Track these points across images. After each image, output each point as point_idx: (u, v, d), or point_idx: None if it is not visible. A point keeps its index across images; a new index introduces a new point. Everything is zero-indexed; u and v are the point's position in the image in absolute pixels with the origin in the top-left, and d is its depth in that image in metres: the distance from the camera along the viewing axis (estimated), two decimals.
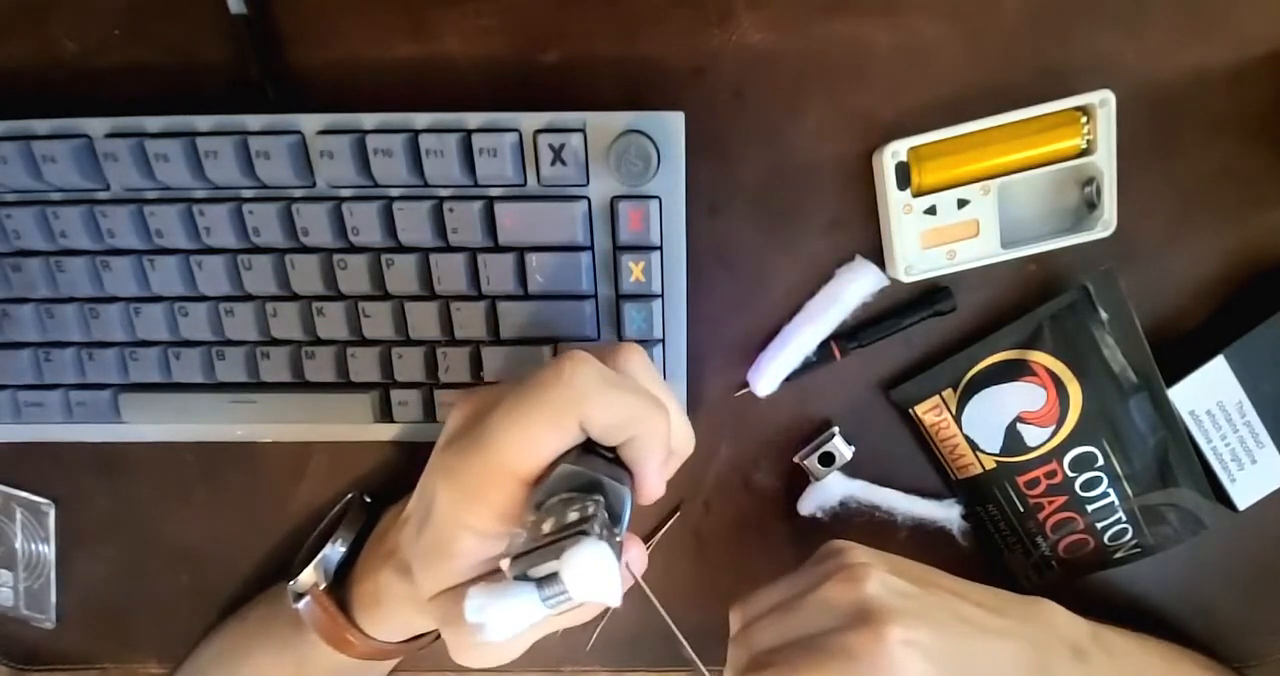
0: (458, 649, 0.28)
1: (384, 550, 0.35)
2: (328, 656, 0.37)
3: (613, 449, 0.28)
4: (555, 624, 0.28)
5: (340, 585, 0.37)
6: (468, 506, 0.27)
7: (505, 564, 0.23)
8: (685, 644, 0.27)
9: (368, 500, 0.40)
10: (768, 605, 0.33)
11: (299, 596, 0.37)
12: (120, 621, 0.45)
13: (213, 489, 0.43)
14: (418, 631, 0.37)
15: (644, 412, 0.27)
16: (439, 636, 0.39)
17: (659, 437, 0.28)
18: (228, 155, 0.35)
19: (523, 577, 0.23)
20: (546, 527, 0.24)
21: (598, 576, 0.22)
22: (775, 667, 0.30)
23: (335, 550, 0.37)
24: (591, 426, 0.27)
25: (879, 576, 0.31)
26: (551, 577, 0.22)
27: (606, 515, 0.25)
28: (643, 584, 0.28)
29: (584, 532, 0.23)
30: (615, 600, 0.23)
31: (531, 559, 0.23)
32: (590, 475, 0.26)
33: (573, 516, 0.24)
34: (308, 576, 0.36)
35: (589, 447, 0.28)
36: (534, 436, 0.26)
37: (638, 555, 0.29)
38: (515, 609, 0.22)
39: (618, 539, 0.25)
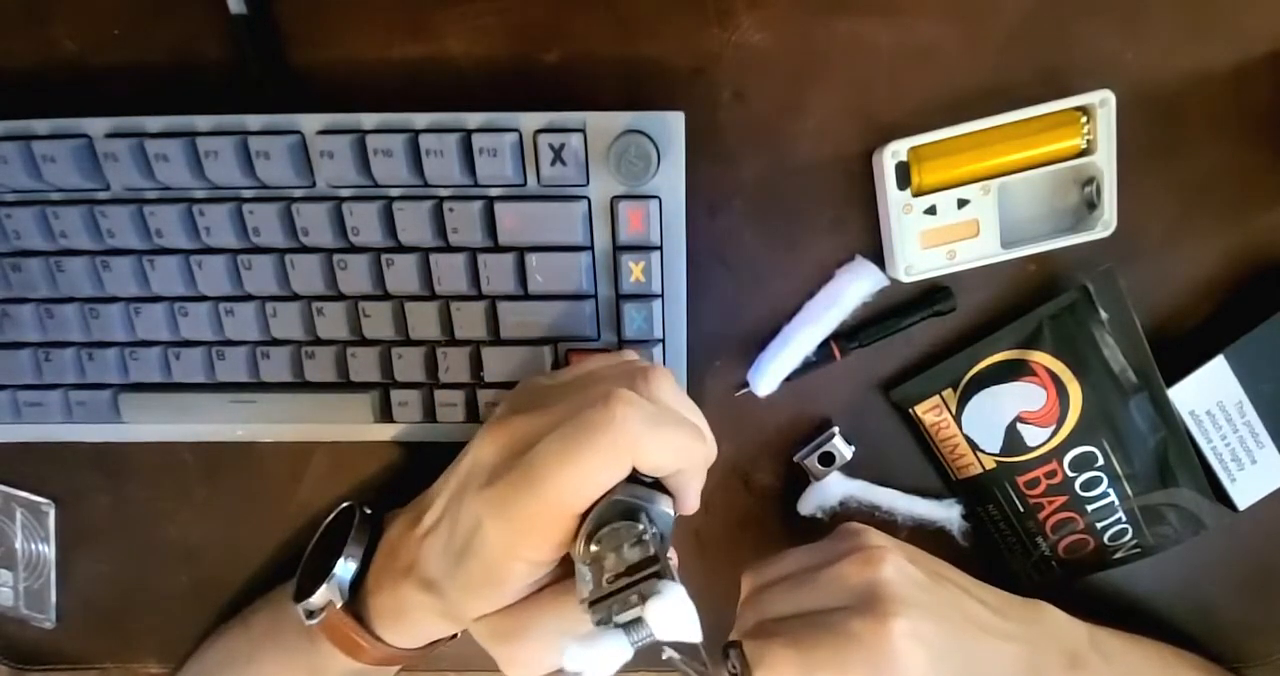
0: (508, 664, 0.29)
1: (401, 564, 0.34)
2: (340, 664, 0.36)
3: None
4: None
5: (352, 599, 0.36)
6: (524, 541, 0.28)
7: (583, 609, 0.25)
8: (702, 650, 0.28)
9: (368, 511, 0.39)
10: (781, 573, 0.34)
11: (311, 614, 0.36)
12: (120, 621, 0.45)
13: (213, 489, 0.43)
14: (437, 637, 0.37)
15: (690, 447, 0.28)
16: (454, 637, 0.39)
17: (703, 466, 0.29)
18: (228, 155, 0.35)
19: (605, 621, 0.24)
20: (609, 563, 0.25)
21: (680, 617, 0.24)
22: (779, 638, 0.31)
23: (347, 568, 0.36)
24: (642, 465, 0.27)
25: (895, 562, 0.32)
26: (637, 622, 0.24)
27: (660, 543, 0.26)
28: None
29: (658, 575, 0.24)
30: (698, 636, 0.24)
31: (610, 606, 0.24)
32: (638, 504, 0.27)
33: (632, 553, 0.25)
34: (321, 597, 0.36)
35: (630, 475, 0.28)
36: (589, 479, 0.26)
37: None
38: (608, 655, 0.24)
39: (671, 562, 0.26)
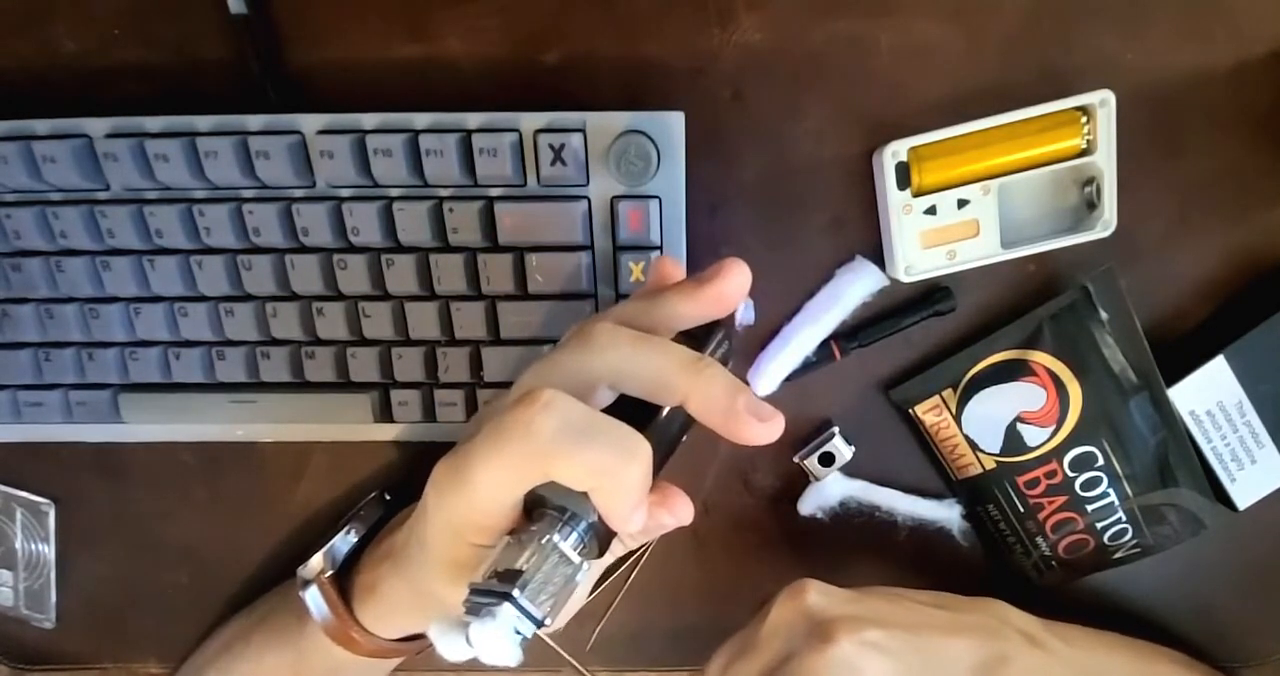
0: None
1: (386, 545, 0.36)
2: (327, 652, 0.37)
3: None
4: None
5: (346, 575, 0.38)
6: (462, 528, 0.27)
7: (464, 593, 0.24)
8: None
9: (388, 497, 0.41)
10: (732, 654, 0.33)
11: (306, 583, 0.37)
12: (120, 621, 0.45)
13: (213, 489, 0.43)
14: (412, 630, 0.37)
15: (610, 467, 0.25)
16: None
17: (625, 492, 0.26)
18: (228, 155, 0.35)
19: (472, 612, 0.24)
20: (507, 555, 0.24)
21: (499, 649, 0.23)
22: None
23: (345, 540, 0.38)
24: (555, 478, 0.25)
25: (816, 587, 0.32)
26: (467, 628, 0.23)
27: (582, 543, 0.25)
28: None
29: (507, 596, 0.23)
30: (514, 661, 0.23)
31: (470, 601, 0.24)
32: (561, 503, 0.26)
33: (522, 560, 0.24)
34: (316, 562, 0.37)
35: None
36: (502, 482, 0.25)
37: (681, 504, 0.29)
38: (452, 647, 0.24)
39: (585, 564, 0.26)
